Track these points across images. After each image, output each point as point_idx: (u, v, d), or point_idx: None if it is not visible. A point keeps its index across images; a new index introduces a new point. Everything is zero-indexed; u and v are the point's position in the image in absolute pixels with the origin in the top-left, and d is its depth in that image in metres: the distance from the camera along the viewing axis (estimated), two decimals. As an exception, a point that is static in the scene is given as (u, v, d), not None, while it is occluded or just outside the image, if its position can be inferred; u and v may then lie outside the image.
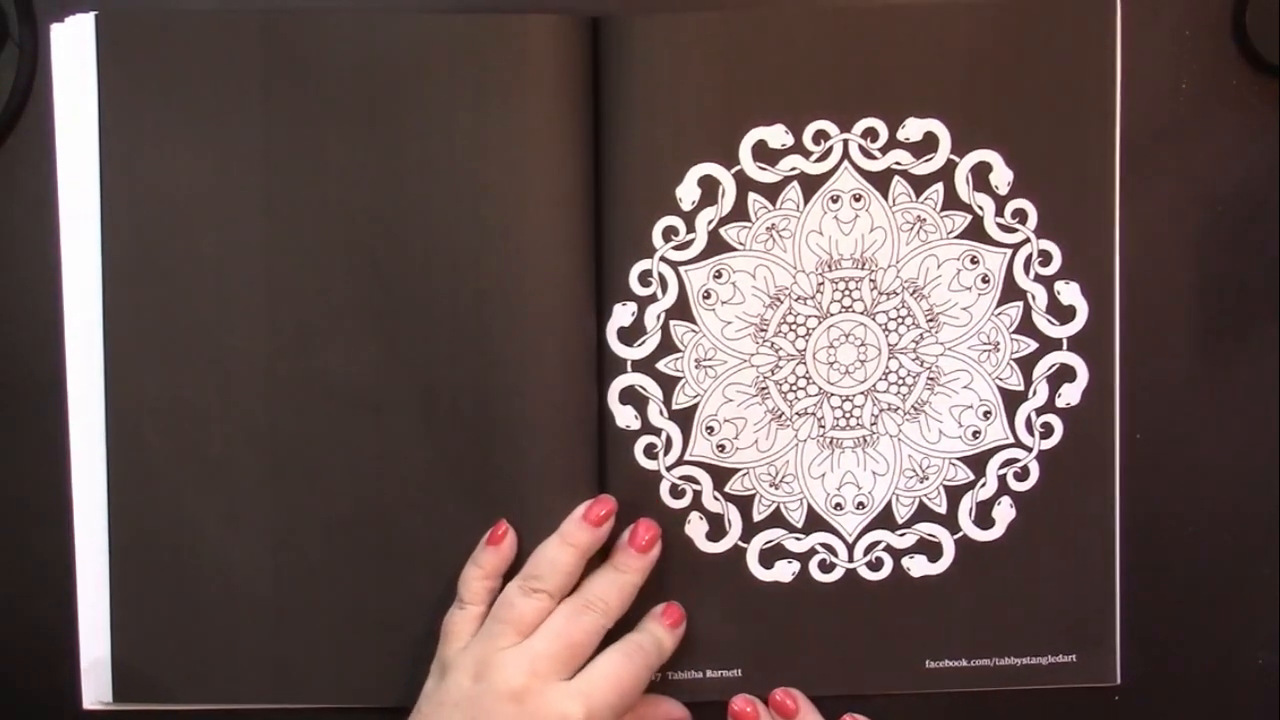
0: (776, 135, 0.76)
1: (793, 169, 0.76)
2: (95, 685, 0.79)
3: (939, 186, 0.76)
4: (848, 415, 0.78)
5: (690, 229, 0.76)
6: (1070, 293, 0.77)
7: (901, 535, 0.78)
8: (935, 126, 0.76)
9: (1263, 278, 0.79)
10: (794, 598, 0.78)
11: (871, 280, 0.77)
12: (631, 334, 0.77)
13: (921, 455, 0.78)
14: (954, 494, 0.78)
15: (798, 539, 0.78)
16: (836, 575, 0.78)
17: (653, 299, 0.77)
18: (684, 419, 0.77)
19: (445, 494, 0.77)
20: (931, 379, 0.77)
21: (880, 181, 0.76)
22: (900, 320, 0.77)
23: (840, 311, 0.77)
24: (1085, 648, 0.78)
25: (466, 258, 0.75)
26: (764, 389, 0.77)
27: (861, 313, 0.77)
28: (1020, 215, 0.76)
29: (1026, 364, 0.77)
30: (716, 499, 0.78)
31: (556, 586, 0.74)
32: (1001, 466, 0.78)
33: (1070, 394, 0.77)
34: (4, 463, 0.79)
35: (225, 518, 0.77)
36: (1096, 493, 0.78)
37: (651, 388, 0.77)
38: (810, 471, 0.77)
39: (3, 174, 0.78)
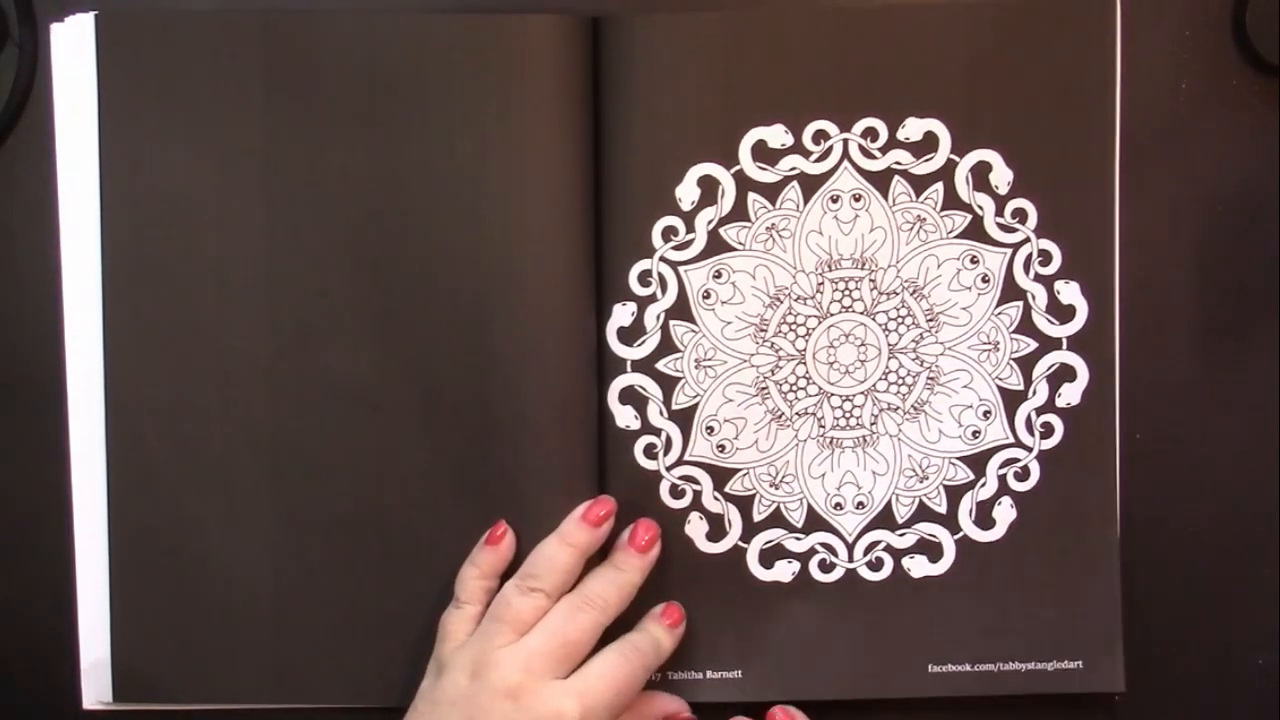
0: (776, 135, 0.75)
1: (792, 169, 0.76)
2: (95, 685, 0.78)
3: (939, 186, 0.76)
4: (848, 415, 0.77)
5: (690, 229, 0.76)
6: (1070, 292, 0.76)
7: (901, 535, 0.77)
8: (935, 126, 0.76)
9: (1263, 278, 0.78)
10: (794, 598, 0.78)
11: (871, 280, 0.76)
12: (631, 334, 0.77)
13: (921, 455, 0.77)
14: (954, 494, 0.77)
15: (798, 539, 0.78)
16: (837, 575, 0.78)
17: (652, 299, 0.76)
18: (684, 419, 0.77)
19: (445, 494, 0.76)
20: (931, 378, 0.77)
21: (880, 181, 0.76)
22: (900, 320, 0.77)
23: (840, 311, 0.77)
24: (1091, 653, 0.77)
25: (466, 257, 0.75)
26: (764, 389, 0.77)
27: (861, 313, 0.77)
28: (1020, 215, 0.76)
29: (1026, 364, 0.77)
30: (716, 499, 0.77)
31: (554, 586, 0.73)
32: (1001, 466, 0.77)
33: (1070, 394, 0.77)
34: (4, 463, 0.79)
35: (225, 517, 0.77)
36: (1097, 494, 0.77)
37: (651, 388, 0.77)
38: (810, 471, 0.77)
39: (3, 174, 0.78)
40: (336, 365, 0.76)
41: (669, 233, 0.76)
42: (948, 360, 0.77)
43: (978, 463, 0.77)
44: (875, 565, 0.78)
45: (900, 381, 0.77)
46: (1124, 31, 0.76)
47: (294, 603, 0.77)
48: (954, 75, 0.75)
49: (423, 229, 0.75)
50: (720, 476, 0.77)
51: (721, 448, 0.77)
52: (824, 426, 0.77)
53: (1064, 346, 0.77)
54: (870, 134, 0.76)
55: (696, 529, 0.77)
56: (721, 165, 0.75)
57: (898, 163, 0.76)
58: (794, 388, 0.77)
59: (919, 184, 0.76)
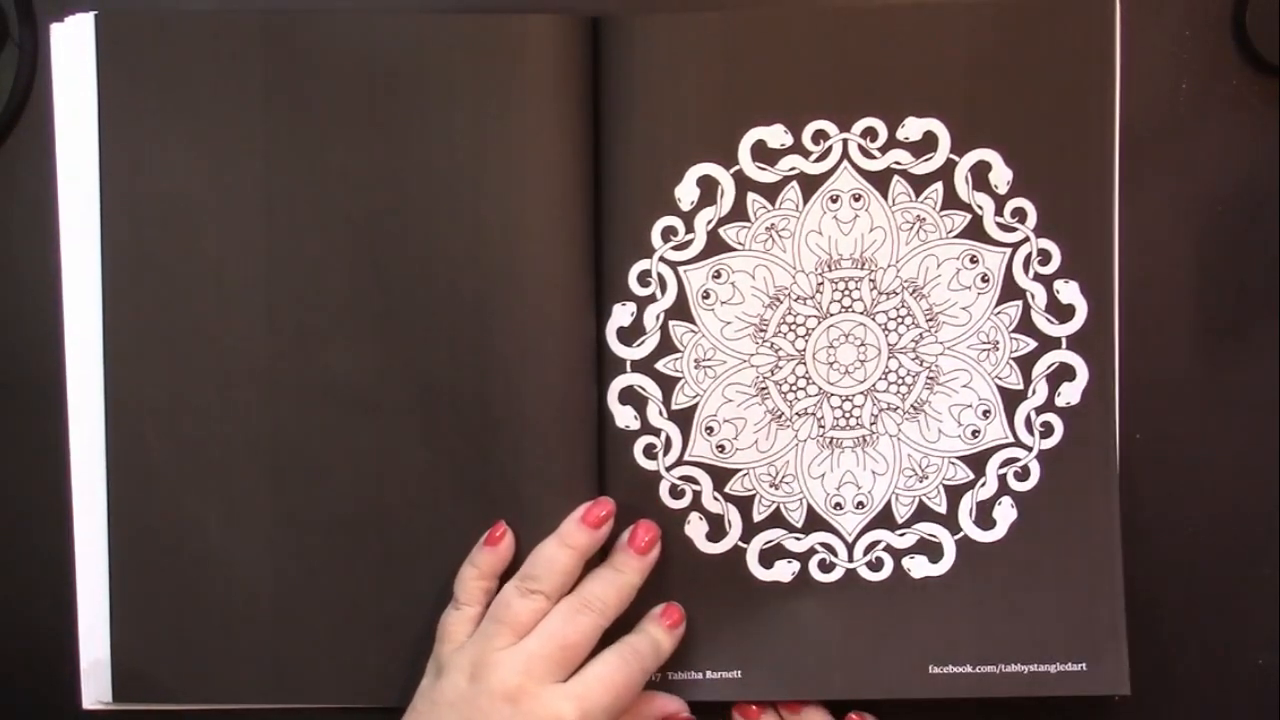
0: (776, 135, 0.75)
1: (792, 169, 0.75)
2: (95, 685, 0.78)
3: (938, 186, 0.75)
4: (847, 415, 0.77)
5: (689, 229, 0.76)
6: (1069, 292, 0.76)
7: (901, 535, 0.77)
8: (935, 126, 0.75)
9: (1263, 278, 0.78)
10: (794, 598, 0.77)
11: (871, 280, 0.76)
12: (631, 334, 0.76)
13: (921, 455, 0.77)
14: (954, 494, 0.77)
15: (797, 539, 0.77)
16: (836, 575, 0.77)
17: (652, 299, 0.76)
18: (683, 419, 0.76)
19: (444, 494, 0.76)
20: (931, 378, 0.76)
21: (880, 181, 0.75)
22: (900, 320, 0.76)
23: (840, 311, 0.76)
24: (1095, 655, 0.77)
25: (466, 257, 0.75)
26: (764, 389, 0.76)
27: (861, 313, 0.76)
28: (1020, 214, 0.75)
29: (1026, 363, 0.76)
30: (716, 499, 0.77)
31: (553, 587, 0.73)
32: (1001, 466, 0.77)
33: (1070, 393, 0.76)
34: (4, 463, 0.79)
35: (225, 517, 0.77)
36: (1098, 493, 0.77)
37: (651, 388, 0.76)
38: (810, 471, 0.77)
39: (2, 174, 0.78)
40: (336, 365, 0.76)
41: (668, 233, 0.75)
42: (947, 360, 0.76)
43: (977, 462, 0.77)
44: (875, 565, 0.77)
45: (900, 381, 0.76)
46: (1124, 31, 0.75)
47: (293, 602, 0.77)
48: (953, 75, 0.75)
49: (422, 229, 0.75)
50: (720, 477, 0.77)
51: (721, 448, 0.77)
52: (824, 426, 0.77)
53: (1063, 346, 0.76)
54: (870, 134, 0.75)
55: (696, 529, 0.77)
56: (721, 165, 0.75)
57: (897, 162, 0.75)
58: (794, 388, 0.76)
59: (918, 184, 0.75)
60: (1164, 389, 0.78)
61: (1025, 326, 0.76)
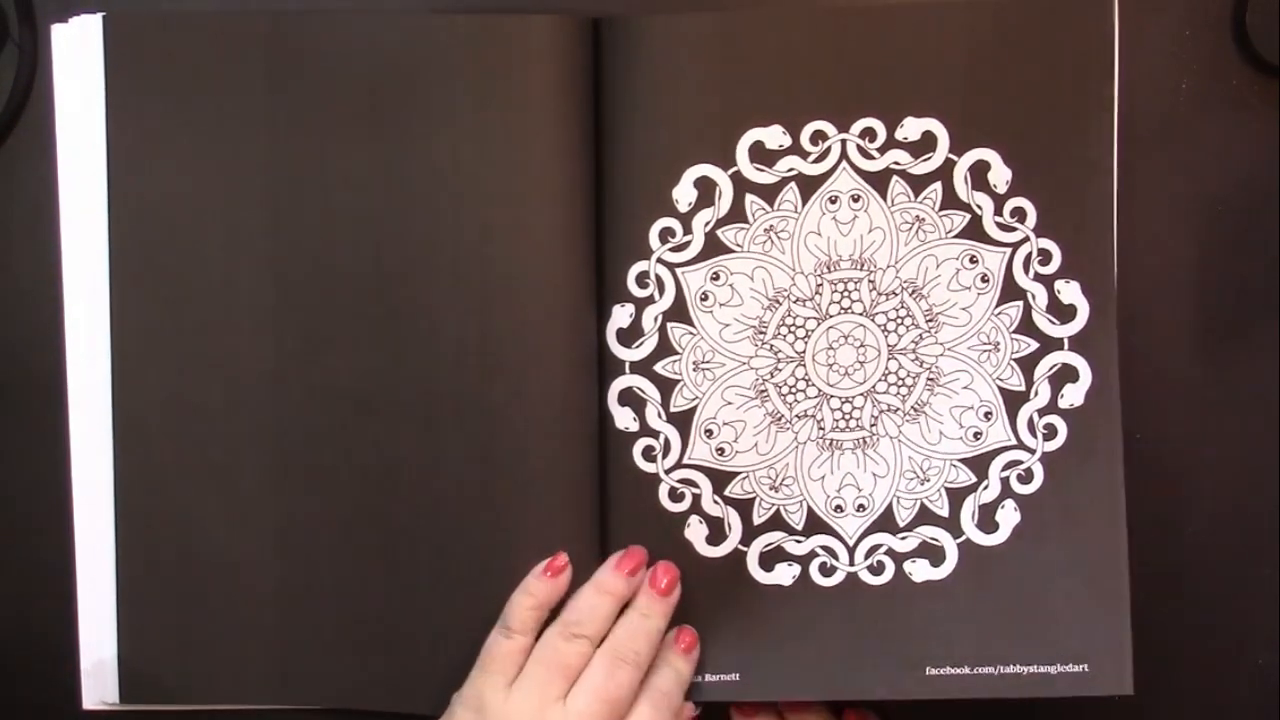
0: (774, 136, 0.74)
1: (790, 170, 0.74)
2: (95, 686, 0.78)
3: (937, 186, 0.75)
4: (847, 417, 0.76)
5: (687, 231, 0.75)
6: (1071, 292, 0.75)
7: (903, 539, 0.76)
8: (933, 126, 0.74)
9: (1263, 278, 0.78)
10: (794, 601, 0.76)
11: (870, 281, 0.75)
12: (630, 335, 0.76)
13: (922, 457, 0.76)
14: (956, 496, 0.76)
15: (798, 541, 0.76)
16: (837, 579, 0.76)
17: (650, 301, 0.75)
18: (682, 422, 0.76)
19: (447, 495, 0.75)
20: (931, 379, 0.75)
21: (878, 181, 0.75)
22: (899, 321, 0.75)
23: (839, 313, 0.75)
24: (1097, 656, 0.76)
25: (468, 257, 0.74)
26: (763, 391, 0.76)
27: (861, 314, 0.75)
28: (1019, 214, 0.74)
29: (1027, 364, 0.75)
30: (716, 502, 0.76)
31: (596, 632, 0.73)
32: (1004, 469, 0.76)
33: (1073, 395, 0.75)
34: (4, 463, 0.78)
35: (231, 519, 0.76)
36: (1103, 495, 0.76)
37: (649, 390, 0.76)
38: (810, 474, 0.76)
39: (3, 174, 0.78)
40: (339, 366, 0.75)
41: (666, 234, 0.75)
42: (948, 361, 0.75)
43: (980, 465, 0.76)
44: (876, 569, 0.76)
45: (900, 383, 0.76)
46: (1124, 31, 0.74)
47: (299, 604, 0.76)
48: (952, 74, 0.74)
49: (425, 229, 0.74)
50: (719, 479, 0.76)
51: (721, 451, 0.76)
52: (823, 428, 0.76)
53: (1065, 347, 0.75)
54: (868, 134, 0.74)
55: (696, 532, 0.76)
56: (718, 167, 0.74)
57: (896, 163, 0.74)
58: (793, 390, 0.76)
59: (917, 184, 0.74)
60: (1164, 389, 0.78)
61: (1026, 327, 0.75)
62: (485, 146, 0.74)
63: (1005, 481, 0.76)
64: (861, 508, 0.76)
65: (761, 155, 0.74)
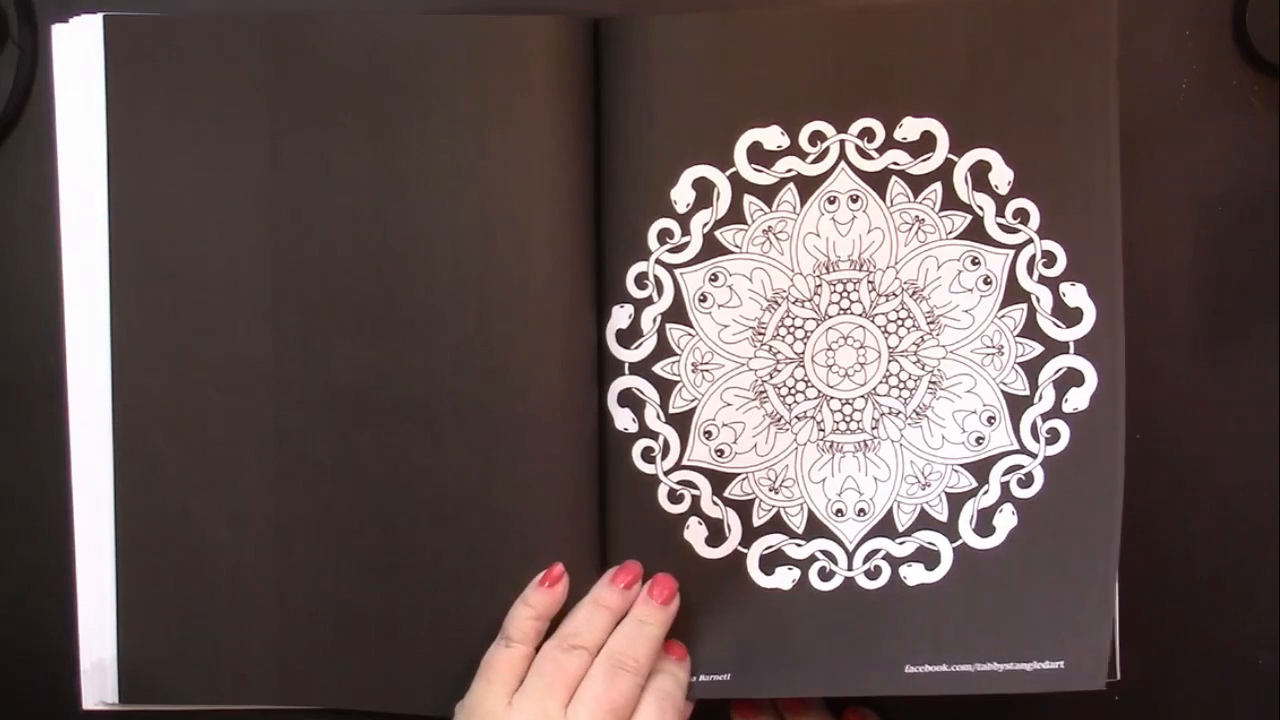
0: (772, 137, 0.73)
1: (789, 170, 0.73)
2: (95, 686, 0.77)
3: (937, 186, 0.73)
4: (848, 419, 0.75)
5: (685, 231, 0.74)
6: (1077, 294, 0.74)
7: (901, 544, 0.75)
8: (932, 125, 0.73)
9: (1263, 278, 0.77)
10: (790, 604, 0.76)
11: (870, 282, 0.74)
12: (629, 336, 0.75)
13: (924, 461, 0.75)
14: (955, 501, 0.75)
15: (798, 544, 0.75)
16: (835, 583, 0.76)
17: (649, 301, 0.74)
18: (681, 423, 0.75)
19: (448, 495, 0.75)
20: (934, 383, 0.74)
21: (877, 182, 0.74)
22: (900, 322, 0.74)
23: (839, 314, 0.74)
24: (1074, 654, 0.75)
25: (469, 258, 0.73)
26: (762, 393, 0.75)
27: (860, 314, 0.74)
28: (1022, 215, 0.73)
29: (1032, 368, 0.74)
30: (715, 504, 0.75)
31: (594, 643, 0.73)
32: (1005, 473, 0.75)
33: (1078, 399, 0.74)
34: (4, 463, 0.78)
35: (231, 520, 0.76)
36: (1102, 500, 0.75)
37: (649, 391, 0.75)
38: (810, 476, 0.75)
39: (3, 174, 0.77)
40: (339, 366, 0.75)
41: (664, 235, 0.74)
42: (950, 364, 0.74)
43: (981, 469, 0.75)
44: (873, 574, 0.75)
45: (901, 385, 0.75)
46: (1124, 32, 0.74)
47: (299, 605, 0.76)
48: (951, 74, 0.73)
49: (425, 230, 0.74)
50: (719, 481, 0.75)
51: (720, 452, 0.75)
52: (823, 430, 0.75)
53: (1071, 350, 0.74)
54: (867, 134, 0.73)
55: (695, 534, 0.75)
56: (716, 167, 0.73)
57: (895, 163, 0.73)
58: (792, 391, 0.75)
59: (917, 184, 0.73)
60: (1164, 389, 0.77)
61: (1031, 330, 0.74)
62: (485, 147, 0.73)
63: (1005, 486, 0.75)
64: (862, 512, 0.75)
65: (760, 156, 0.73)
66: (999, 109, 0.73)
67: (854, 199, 0.73)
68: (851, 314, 0.74)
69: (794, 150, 0.73)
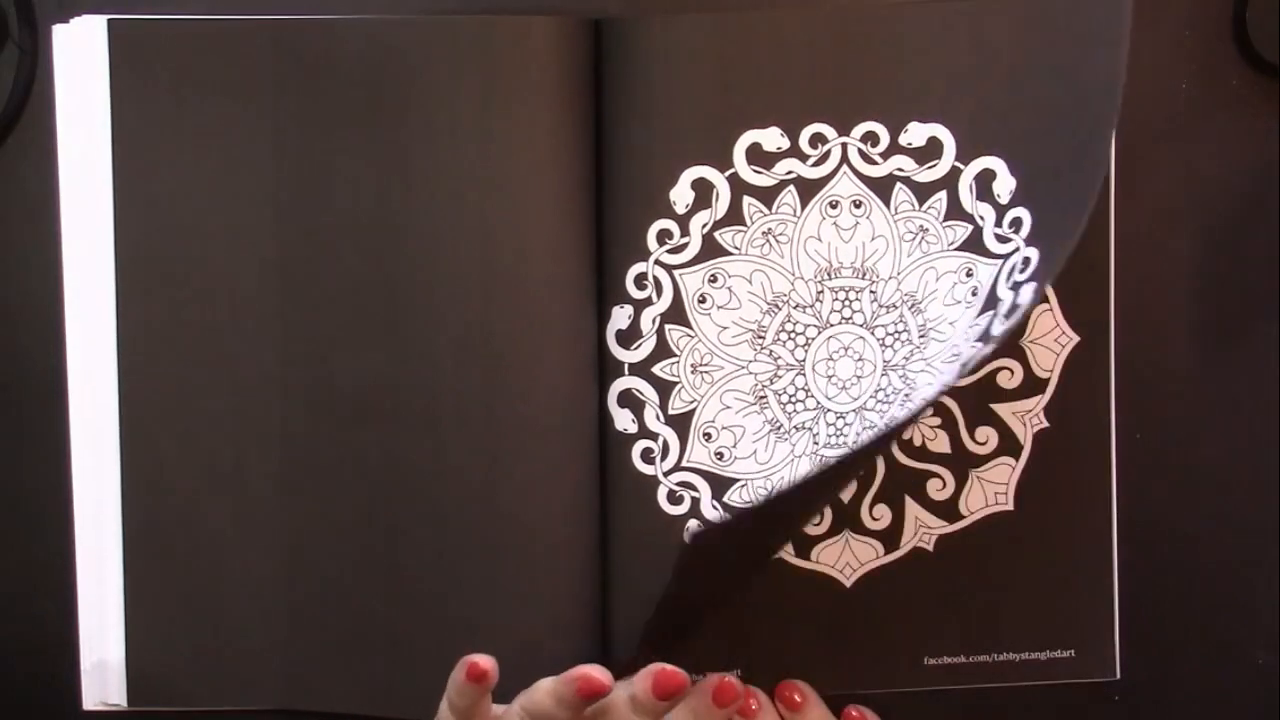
0: (771, 138, 0.72)
1: (789, 172, 0.73)
2: (96, 686, 0.77)
3: (942, 195, 0.73)
4: (840, 432, 0.74)
5: (684, 232, 0.73)
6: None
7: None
8: (939, 131, 0.72)
9: (1263, 278, 0.76)
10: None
11: (872, 292, 0.73)
12: (629, 337, 0.74)
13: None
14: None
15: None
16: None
17: (648, 302, 0.74)
18: (680, 424, 0.74)
19: (449, 497, 0.74)
20: (907, 397, 0.73)
21: (881, 188, 0.73)
22: (896, 335, 0.73)
23: (840, 322, 0.73)
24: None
25: (469, 258, 0.73)
26: (762, 398, 0.74)
27: (861, 325, 0.73)
28: (1016, 224, 0.72)
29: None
30: (715, 508, 0.74)
31: None
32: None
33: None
34: (4, 463, 0.77)
35: (237, 523, 0.76)
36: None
37: (648, 391, 0.74)
38: None
39: (2, 174, 0.77)
40: (343, 368, 0.75)
41: (663, 235, 0.73)
42: (924, 377, 0.73)
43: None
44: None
45: (886, 401, 0.74)
46: (1123, 31, 0.73)
47: (305, 608, 0.76)
48: (959, 78, 0.72)
49: (427, 232, 0.73)
50: (719, 485, 0.74)
51: (720, 455, 0.74)
52: (817, 443, 0.74)
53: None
54: (870, 138, 0.72)
55: (695, 536, 0.75)
56: (715, 168, 0.73)
57: (900, 169, 0.72)
58: (793, 399, 0.74)
59: (922, 192, 0.73)
60: (1163, 389, 0.76)
61: (985, 336, 0.72)
62: (486, 147, 0.72)
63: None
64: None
65: (759, 157, 0.73)
66: (1007, 115, 0.72)
67: (857, 204, 0.73)
68: (853, 324, 0.73)
69: (794, 152, 0.73)
